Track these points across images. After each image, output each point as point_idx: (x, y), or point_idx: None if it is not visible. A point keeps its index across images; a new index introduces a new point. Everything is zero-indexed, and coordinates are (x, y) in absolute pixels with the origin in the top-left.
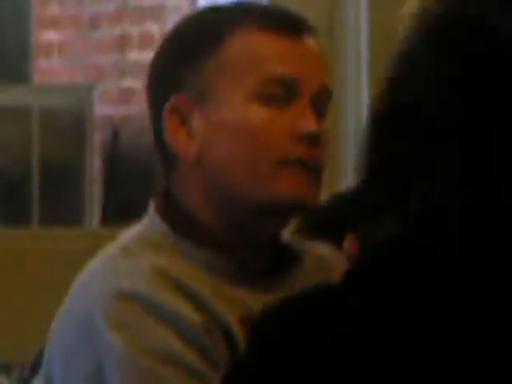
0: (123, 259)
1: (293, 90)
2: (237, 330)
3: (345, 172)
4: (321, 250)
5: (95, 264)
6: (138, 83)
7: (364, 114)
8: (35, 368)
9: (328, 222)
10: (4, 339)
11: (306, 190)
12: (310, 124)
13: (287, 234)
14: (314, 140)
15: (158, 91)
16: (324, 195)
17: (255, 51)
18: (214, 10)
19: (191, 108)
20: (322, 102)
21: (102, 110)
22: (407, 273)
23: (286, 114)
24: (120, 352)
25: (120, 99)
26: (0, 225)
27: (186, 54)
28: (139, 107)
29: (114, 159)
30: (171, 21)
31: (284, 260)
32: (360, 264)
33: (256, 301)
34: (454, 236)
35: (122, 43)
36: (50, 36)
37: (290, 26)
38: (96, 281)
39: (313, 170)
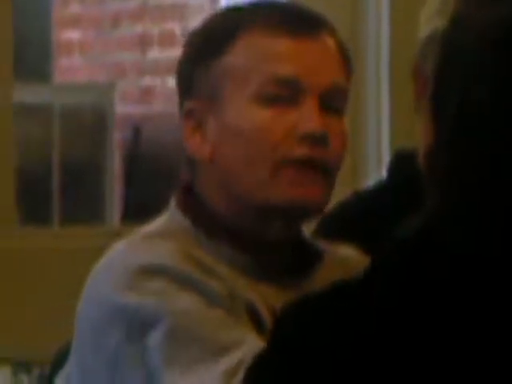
0: (145, 242)
1: (296, 89)
2: (261, 307)
3: (366, 170)
4: (343, 250)
5: (116, 249)
6: (158, 81)
7: (384, 113)
8: (57, 366)
9: (348, 220)
10: (24, 338)
11: (307, 192)
12: (311, 124)
13: (308, 232)
14: (318, 140)
15: (179, 94)
16: (345, 194)
17: (258, 52)
18: (224, 13)
19: (205, 111)
20: (334, 99)
21: (122, 108)
22: (424, 271)
23: (290, 115)
24: (152, 312)
25: (140, 97)
26: (21, 224)
27: (197, 57)
28: (159, 105)
29: (134, 157)
30: (192, 19)
31: (305, 259)
32: (378, 262)
33: (276, 298)
34: (470, 235)
35: (143, 42)
36: (71, 35)
37: (296, 24)
38: (118, 261)
39: (317, 170)
